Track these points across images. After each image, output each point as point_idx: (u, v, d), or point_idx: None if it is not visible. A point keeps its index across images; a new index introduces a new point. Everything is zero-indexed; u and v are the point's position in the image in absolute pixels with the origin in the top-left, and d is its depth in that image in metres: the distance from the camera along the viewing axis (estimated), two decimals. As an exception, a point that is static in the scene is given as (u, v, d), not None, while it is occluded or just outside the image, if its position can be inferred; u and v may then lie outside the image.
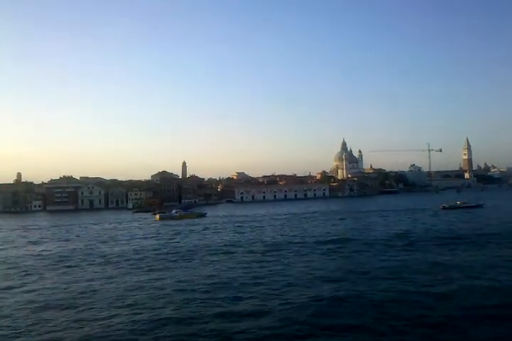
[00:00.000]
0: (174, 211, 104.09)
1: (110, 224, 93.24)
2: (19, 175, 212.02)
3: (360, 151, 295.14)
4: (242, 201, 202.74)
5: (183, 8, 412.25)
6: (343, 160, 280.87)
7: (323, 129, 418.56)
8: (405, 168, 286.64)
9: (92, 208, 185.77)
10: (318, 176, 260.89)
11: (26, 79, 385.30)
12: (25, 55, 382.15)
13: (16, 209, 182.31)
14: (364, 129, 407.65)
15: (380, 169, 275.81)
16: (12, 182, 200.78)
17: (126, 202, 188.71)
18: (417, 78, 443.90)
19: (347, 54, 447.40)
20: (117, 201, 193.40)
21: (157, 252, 44.71)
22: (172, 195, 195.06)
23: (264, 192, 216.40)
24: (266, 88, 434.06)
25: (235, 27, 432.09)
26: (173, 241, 54.93)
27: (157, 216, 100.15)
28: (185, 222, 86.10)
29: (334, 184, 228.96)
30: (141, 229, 77.19)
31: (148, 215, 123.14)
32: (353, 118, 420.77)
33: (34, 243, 59.95)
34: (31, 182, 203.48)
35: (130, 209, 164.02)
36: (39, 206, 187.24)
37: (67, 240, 61.93)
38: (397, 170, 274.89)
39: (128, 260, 40.09)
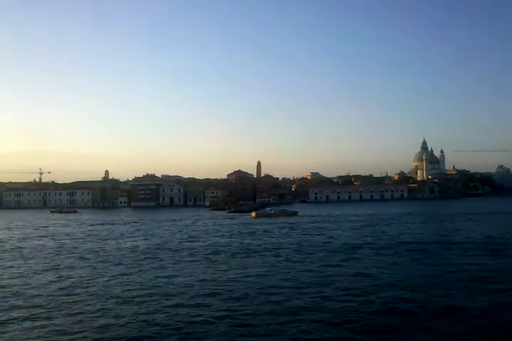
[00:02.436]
0: (269, 209, 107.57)
1: (208, 220, 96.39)
2: (107, 172, 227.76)
3: (441, 151, 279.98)
4: (316, 201, 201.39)
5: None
6: (422, 160, 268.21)
7: (400, 128, 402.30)
8: (492, 170, 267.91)
9: (172, 205, 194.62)
10: (396, 177, 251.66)
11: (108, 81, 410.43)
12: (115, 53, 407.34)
13: (103, 205, 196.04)
14: (446, 128, 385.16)
15: (464, 170, 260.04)
16: (100, 179, 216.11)
17: (204, 199, 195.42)
18: None
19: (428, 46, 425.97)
20: (195, 199, 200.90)
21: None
22: (247, 193, 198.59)
23: (338, 193, 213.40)
24: (339, 84, 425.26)
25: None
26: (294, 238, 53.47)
27: (253, 213, 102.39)
28: (280, 220, 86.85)
29: (413, 185, 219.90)
30: (242, 225, 77.46)
31: (224, 213, 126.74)
32: (434, 116, 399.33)
33: (122, 237, 63.99)
34: (117, 180, 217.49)
35: (207, 206, 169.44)
36: (124, 202, 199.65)
37: (153, 235, 65.21)
38: (482, 172, 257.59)
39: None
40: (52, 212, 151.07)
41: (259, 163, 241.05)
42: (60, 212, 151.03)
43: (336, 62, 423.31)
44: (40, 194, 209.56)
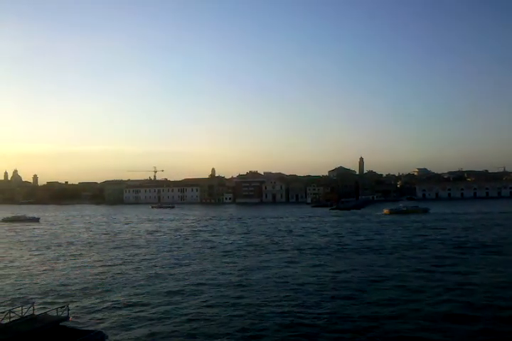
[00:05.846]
0: (401, 205, 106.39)
1: (332, 216, 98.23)
2: (213, 170, 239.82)
3: None
4: (423, 198, 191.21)
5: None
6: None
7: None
8: None
9: (274, 201, 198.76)
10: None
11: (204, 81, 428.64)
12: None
13: (210, 201, 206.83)
14: None
15: None
16: (207, 176, 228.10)
17: (305, 196, 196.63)
18: None
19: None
20: (297, 195, 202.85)
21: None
22: (349, 190, 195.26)
23: (449, 190, 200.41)
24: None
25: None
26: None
27: (386, 210, 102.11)
28: (423, 217, 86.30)
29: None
30: (393, 223, 76.58)
31: (326, 209, 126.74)
32: None
33: (232, 232, 67.87)
34: (223, 177, 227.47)
35: (308, 203, 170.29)
36: (229, 198, 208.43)
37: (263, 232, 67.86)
38: None
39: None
40: (152, 207, 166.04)
41: (361, 160, 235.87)
42: (160, 207, 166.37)
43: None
44: (155, 190, 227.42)
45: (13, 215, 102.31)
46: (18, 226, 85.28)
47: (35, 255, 45.64)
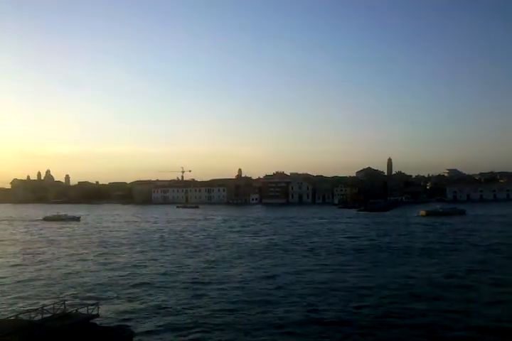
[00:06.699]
0: (438, 207, 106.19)
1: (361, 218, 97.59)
2: (240, 170, 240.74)
3: None
4: (454, 200, 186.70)
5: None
6: None
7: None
8: None
9: (301, 202, 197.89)
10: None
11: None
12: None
13: (237, 201, 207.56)
14: None
15: None
16: (234, 177, 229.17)
17: (332, 197, 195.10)
18: None
19: None
20: (323, 196, 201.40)
21: None
22: (377, 191, 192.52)
23: (481, 191, 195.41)
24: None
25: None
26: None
27: (422, 211, 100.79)
28: (465, 219, 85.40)
29: None
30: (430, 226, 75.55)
31: (354, 211, 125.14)
32: None
33: (256, 233, 68.16)
34: (250, 177, 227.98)
35: (335, 204, 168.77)
36: (256, 199, 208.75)
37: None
38: None
39: None
40: (177, 207, 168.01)
41: (389, 160, 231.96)
42: (185, 207, 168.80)
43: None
44: (182, 190, 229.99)
45: (55, 214, 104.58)
46: (61, 225, 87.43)
47: (102, 254, 46.54)
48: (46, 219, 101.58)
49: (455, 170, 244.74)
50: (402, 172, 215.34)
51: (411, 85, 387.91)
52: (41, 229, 78.85)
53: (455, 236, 57.16)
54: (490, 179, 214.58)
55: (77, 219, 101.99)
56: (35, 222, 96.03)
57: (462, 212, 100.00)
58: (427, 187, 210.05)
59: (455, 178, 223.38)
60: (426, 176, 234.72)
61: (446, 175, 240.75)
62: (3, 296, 27.52)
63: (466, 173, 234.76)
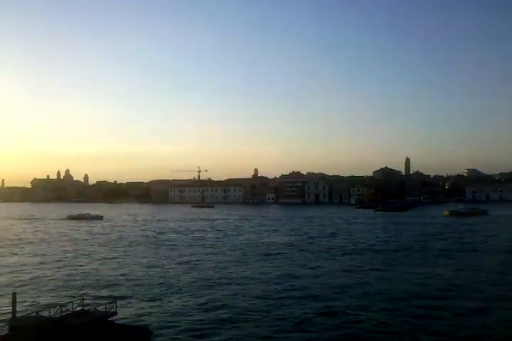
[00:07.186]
0: (461, 207, 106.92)
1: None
2: (256, 170, 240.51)
3: None
4: (473, 200, 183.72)
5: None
6: None
7: None
8: None
9: (317, 202, 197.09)
10: None
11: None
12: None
13: (253, 201, 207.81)
14: None
15: None
16: (250, 176, 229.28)
17: (349, 197, 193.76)
18: None
19: None
20: (340, 196, 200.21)
21: None
22: (394, 191, 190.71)
23: (501, 191, 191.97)
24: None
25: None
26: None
27: (446, 212, 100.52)
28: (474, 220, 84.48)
29: None
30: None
31: (371, 211, 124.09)
32: None
33: (275, 231, 68.13)
34: (266, 177, 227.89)
35: (352, 204, 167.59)
36: (272, 198, 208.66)
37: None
38: None
39: None
40: (193, 206, 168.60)
41: (407, 160, 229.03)
42: (200, 206, 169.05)
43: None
44: (199, 190, 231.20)
45: (78, 213, 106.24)
46: (85, 223, 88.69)
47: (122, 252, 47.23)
48: (69, 217, 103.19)
49: (474, 169, 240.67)
50: (420, 172, 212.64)
51: (428, 84, 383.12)
52: (69, 228, 79.15)
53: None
54: (510, 179, 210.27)
55: (100, 218, 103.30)
56: (60, 221, 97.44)
57: (484, 212, 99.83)
58: (446, 187, 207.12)
59: (474, 178, 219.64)
60: (444, 176, 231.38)
61: (465, 174, 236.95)
62: (27, 293, 27.90)
63: (486, 173, 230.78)
